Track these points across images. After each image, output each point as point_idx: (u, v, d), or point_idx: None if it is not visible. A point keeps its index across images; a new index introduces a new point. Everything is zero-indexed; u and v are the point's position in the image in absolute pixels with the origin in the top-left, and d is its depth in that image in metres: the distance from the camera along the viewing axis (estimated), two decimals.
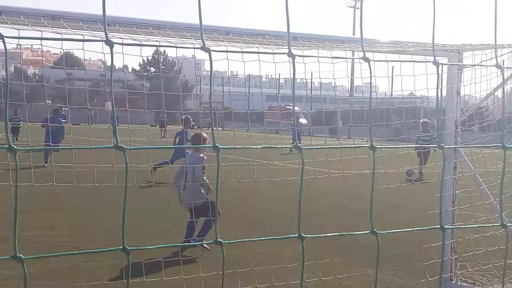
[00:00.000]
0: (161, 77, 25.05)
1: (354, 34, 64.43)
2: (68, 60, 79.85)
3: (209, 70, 2.53)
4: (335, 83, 10.17)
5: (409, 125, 27.99)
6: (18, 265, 7.63)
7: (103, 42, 2.29)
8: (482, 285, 9.33)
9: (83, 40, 2.38)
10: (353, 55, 11.23)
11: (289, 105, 77.92)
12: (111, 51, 2.24)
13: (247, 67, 8.47)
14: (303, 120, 64.53)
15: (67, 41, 8.30)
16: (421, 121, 26.11)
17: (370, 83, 2.86)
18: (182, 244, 11.66)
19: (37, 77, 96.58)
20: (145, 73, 74.27)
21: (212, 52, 2.53)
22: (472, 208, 9.45)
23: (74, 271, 9.97)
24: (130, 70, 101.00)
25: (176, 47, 5.64)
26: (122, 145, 2.16)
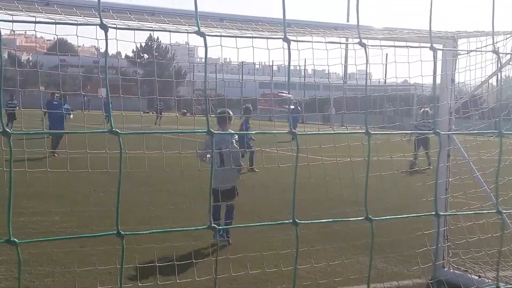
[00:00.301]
0: (155, 63, 24.84)
1: (348, 21, 64.31)
2: (61, 47, 79.59)
3: (203, 56, 2.53)
4: (328, 70, 10.14)
5: (403, 112, 27.88)
6: (11, 250, 7.63)
7: (97, 27, 2.28)
8: (475, 273, 9.36)
9: (78, 24, 2.37)
10: (346, 42, 11.21)
11: (282, 92, 77.76)
12: (106, 35, 2.22)
13: (241, 53, 8.45)
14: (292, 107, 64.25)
15: (61, 28, 8.28)
16: (421, 110, 25.93)
17: (366, 68, 2.85)
18: (176, 230, 11.62)
19: (31, 64, 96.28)
20: (139, 60, 74.10)
21: (206, 38, 2.52)
22: (465, 196, 9.47)
23: (67, 256, 9.97)
24: (123, 56, 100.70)
25: (171, 31, 5.63)
26: (117, 130, 2.15)
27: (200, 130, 2.40)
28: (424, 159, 24.70)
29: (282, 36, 2.45)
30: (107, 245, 10.18)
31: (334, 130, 22.74)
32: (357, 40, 2.53)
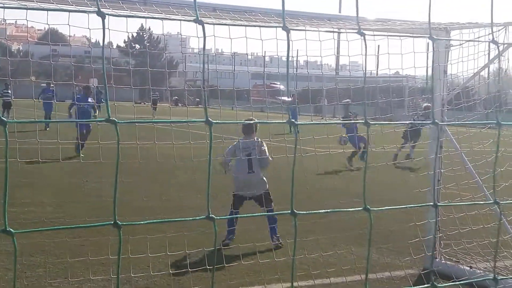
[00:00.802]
0: (147, 53, 24.53)
1: (340, 12, 64.32)
2: (52, 36, 79.27)
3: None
4: (321, 61, 10.13)
5: (395, 104, 27.89)
6: (1, 241, 7.52)
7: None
8: (466, 263, 9.39)
9: (74, 11, 2.32)
10: (339, 34, 11.19)
11: (274, 83, 77.87)
12: (103, 22, 2.20)
13: (232, 45, 8.36)
14: (287, 98, 64.32)
15: (52, 17, 8.18)
16: (424, 105, 25.68)
17: (365, 58, 2.84)
18: (173, 220, 11.52)
19: (21, 53, 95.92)
20: (131, 50, 73.89)
21: (199, 28, 2.51)
22: (457, 187, 9.48)
23: (59, 247, 9.96)
24: (114, 47, 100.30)
25: (168, 19, 5.60)
26: (114, 118, 2.13)
27: (198, 120, 2.38)
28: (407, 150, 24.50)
29: (281, 25, 2.44)
30: (99, 236, 10.16)
31: (326, 121, 22.76)
32: (355, 30, 2.52)
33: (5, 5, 6.75)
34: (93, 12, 2.20)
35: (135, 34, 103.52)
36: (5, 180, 2.12)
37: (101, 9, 2.11)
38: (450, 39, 9.17)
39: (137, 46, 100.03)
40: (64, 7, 6.99)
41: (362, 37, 2.65)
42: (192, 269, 8.96)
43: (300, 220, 2.42)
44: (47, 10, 2.98)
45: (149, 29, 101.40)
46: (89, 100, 22.91)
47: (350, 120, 21.35)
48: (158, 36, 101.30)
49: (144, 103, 50.77)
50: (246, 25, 7.98)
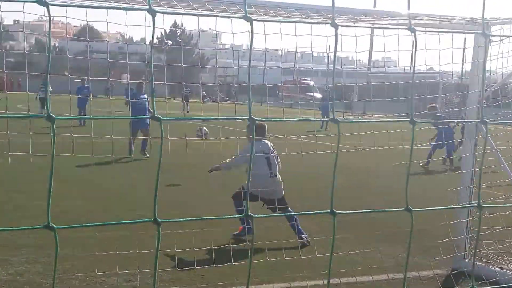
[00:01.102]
0: (182, 49, 24.27)
1: (375, 7, 63.71)
2: (87, 33, 79.90)
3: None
4: (356, 57, 10.00)
5: (427, 101, 27.60)
6: (31, 234, 7.53)
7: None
8: (497, 264, 9.23)
9: (123, 9, 2.30)
10: (373, 30, 11.05)
11: (304, 79, 77.64)
12: (153, 20, 2.21)
13: (263, 40, 8.19)
14: (317, 95, 64.25)
15: (89, 13, 8.03)
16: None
17: (414, 54, 2.75)
18: (213, 217, 11.37)
19: (57, 49, 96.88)
20: (163, 46, 74.03)
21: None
22: (491, 186, 9.29)
23: (87, 241, 10.03)
24: (147, 42, 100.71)
25: (217, 16, 5.56)
26: (159, 116, 2.12)
27: (241, 117, 2.37)
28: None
29: (329, 22, 2.38)
30: (125, 230, 10.20)
31: (359, 118, 22.53)
32: (406, 26, 2.46)
33: (50, 3, 6.72)
34: (144, 9, 2.19)
35: (167, 30, 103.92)
36: (50, 176, 2.09)
37: (152, 7, 2.11)
38: (504, 36, 8.97)
39: (169, 42, 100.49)
40: (110, 4, 6.91)
41: (412, 34, 2.58)
42: (218, 264, 8.90)
43: (325, 218, 2.39)
44: (106, 8, 2.92)
45: (182, 25, 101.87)
46: (143, 96, 21.08)
47: (441, 122, 20.91)
48: (190, 32, 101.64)
49: (174, 99, 50.99)
50: (296, 22, 7.79)
